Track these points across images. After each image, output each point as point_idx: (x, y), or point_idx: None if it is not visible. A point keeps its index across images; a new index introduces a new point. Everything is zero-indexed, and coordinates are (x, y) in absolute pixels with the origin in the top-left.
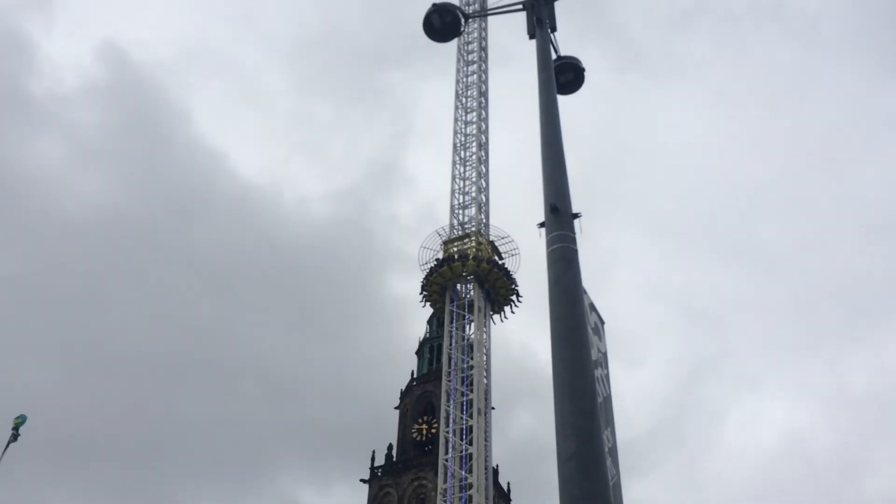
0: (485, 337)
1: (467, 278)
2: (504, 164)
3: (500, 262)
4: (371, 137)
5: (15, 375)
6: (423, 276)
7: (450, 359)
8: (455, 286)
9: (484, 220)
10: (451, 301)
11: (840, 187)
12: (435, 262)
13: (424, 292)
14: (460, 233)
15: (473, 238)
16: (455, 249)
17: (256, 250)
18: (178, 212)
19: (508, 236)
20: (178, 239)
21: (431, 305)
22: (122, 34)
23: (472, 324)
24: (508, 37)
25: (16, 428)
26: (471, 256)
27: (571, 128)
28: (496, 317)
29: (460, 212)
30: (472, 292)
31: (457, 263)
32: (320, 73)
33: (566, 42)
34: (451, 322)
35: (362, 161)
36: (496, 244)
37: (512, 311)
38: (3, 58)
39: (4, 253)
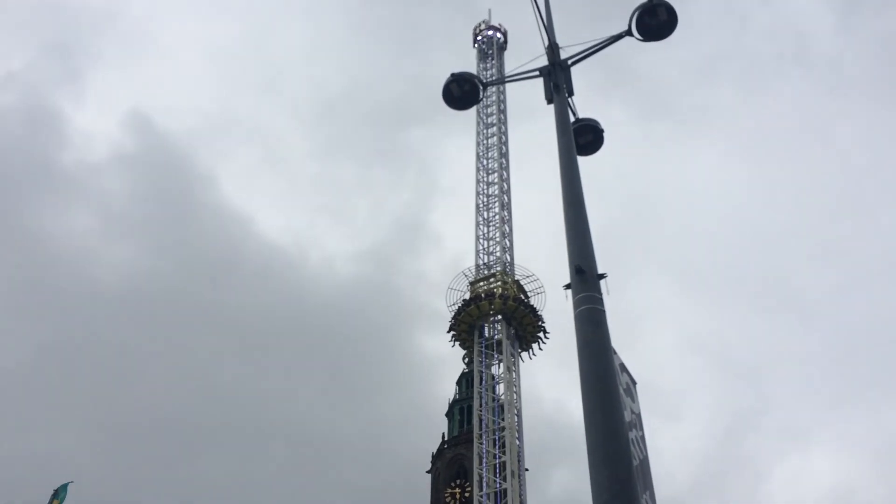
0: (514, 392)
1: (494, 317)
2: (528, 217)
3: (525, 300)
4: (396, 195)
5: (51, 443)
6: (452, 317)
7: (481, 420)
8: (483, 337)
9: (509, 264)
10: (481, 360)
11: (873, 230)
12: (462, 302)
13: (453, 332)
14: (486, 273)
15: (499, 277)
16: (482, 289)
17: (284, 312)
18: (207, 277)
19: (533, 275)
20: (207, 303)
21: (461, 346)
22: (149, 104)
23: (501, 364)
24: (529, 92)
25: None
26: (497, 295)
27: (599, 179)
28: (525, 354)
29: (485, 271)
30: (499, 332)
31: (483, 302)
32: (344, 134)
33: (591, 92)
34: (481, 383)
35: (387, 219)
36: (521, 283)
37: (540, 348)
38: (36, 131)
39: (39, 323)
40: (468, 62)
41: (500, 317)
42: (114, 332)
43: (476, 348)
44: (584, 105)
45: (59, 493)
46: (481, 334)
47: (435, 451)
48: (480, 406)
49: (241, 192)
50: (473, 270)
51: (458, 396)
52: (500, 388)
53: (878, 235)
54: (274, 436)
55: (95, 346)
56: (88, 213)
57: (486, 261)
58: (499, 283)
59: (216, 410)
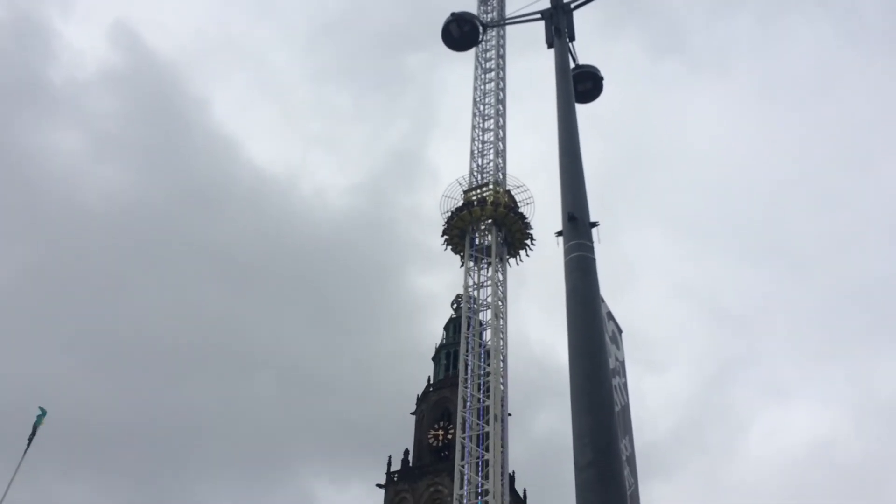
0: (501, 339)
1: (485, 222)
2: (523, 155)
3: (515, 207)
4: (393, 126)
5: (33, 366)
6: (445, 222)
7: (466, 365)
8: (474, 238)
9: (501, 169)
10: (469, 305)
11: (873, 185)
12: (456, 209)
13: (446, 236)
14: (480, 182)
15: (492, 186)
16: (475, 197)
17: (274, 242)
18: (196, 202)
19: (524, 185)
20: (195, 229)
21: (453, 251)
22: (140, 20)
23: (490, 269)
24: (530, 31)
25: (34, 429)
26: (489, 202)
27: (598, 120)
28: (512, 260)
29: (479, 179)
30: (489, 239)
31: (476, 208)
32: (340, 60)
33: (600, 26)
34: (468, 328)
35: (383, 151)
36: (512, 192)
37: (527, 254)
38: (22, 45)
39: (23, 243)
40: None
41: (490, 222)
42: (100, 255)
43: (464, 314)
44: (591, 41)
45: (37, 420)
46: (472, 236)
47: (420, 393)
48: (467, 351)
49: (233, 117)
50: (467, 178)
51: (444, 341)
52: (487, 335)
53: (879, 190)
54: (261, 366)
55: (81, 268)
56: (76, 132)
57: (479, 164)
58: (491, 190)
59: (202, 337)
